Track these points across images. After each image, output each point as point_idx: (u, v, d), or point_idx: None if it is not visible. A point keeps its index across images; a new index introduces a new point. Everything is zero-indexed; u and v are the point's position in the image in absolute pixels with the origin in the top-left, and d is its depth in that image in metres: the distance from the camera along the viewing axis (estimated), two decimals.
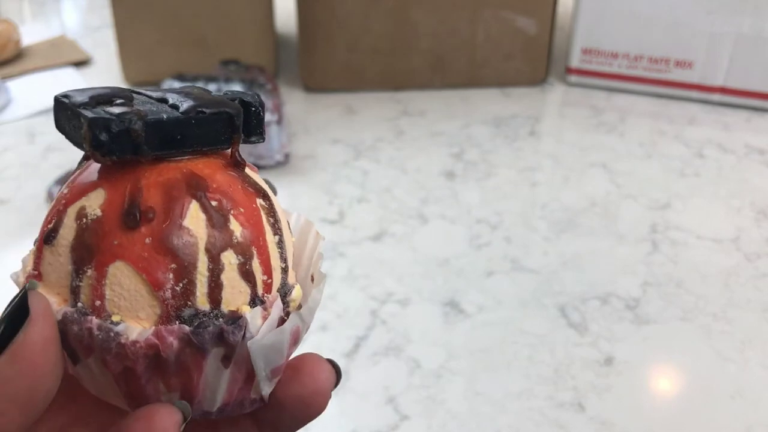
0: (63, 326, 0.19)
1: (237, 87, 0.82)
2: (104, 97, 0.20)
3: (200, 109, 0.20)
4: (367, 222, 0.73)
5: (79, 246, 0.19)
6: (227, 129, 0.21)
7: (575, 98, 0.99)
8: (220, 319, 0.19)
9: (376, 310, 0.62)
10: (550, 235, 0.71)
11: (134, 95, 0.21)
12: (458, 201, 0.77)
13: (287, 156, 0.82)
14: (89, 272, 0.19)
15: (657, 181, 0.80)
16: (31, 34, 1.16)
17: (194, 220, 0.19)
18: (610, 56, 0.98)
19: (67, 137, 0.20)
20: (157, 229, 0.19)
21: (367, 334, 0.59)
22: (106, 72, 1.06)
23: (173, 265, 0.19)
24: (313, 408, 0.22)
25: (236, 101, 0.22)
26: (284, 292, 0.21)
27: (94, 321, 0.19)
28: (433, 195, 0.78)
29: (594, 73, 1.00)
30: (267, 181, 0.23)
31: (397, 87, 1.01)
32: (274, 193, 0.22)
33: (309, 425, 0.54)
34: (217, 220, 0.20)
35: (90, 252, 0.19)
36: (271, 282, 0.21)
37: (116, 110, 0.19)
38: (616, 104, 0.97)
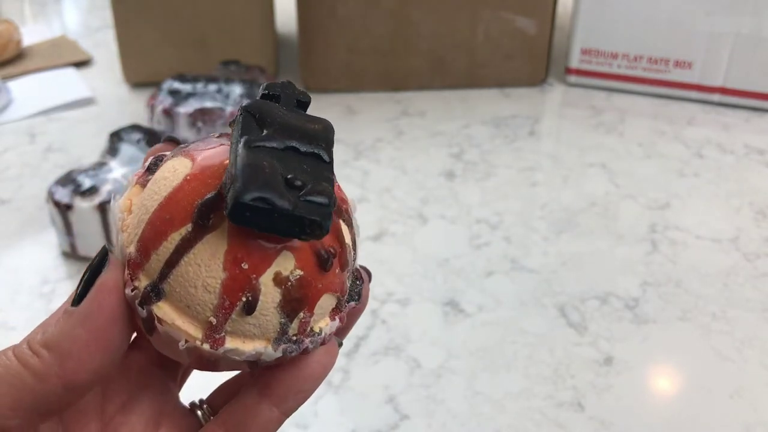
0: (281, 359, 0.24)
1: (237, 87, 0.82)
2: (281, 184, 0.22)
3: (327, 143, 0.24)
4: (367, 222, 0.73)
5: (289, 302, 0.23)
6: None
7: (575, 98, 0.99)
8: (358, 282, 0.26)
9: (376, 309, 0.62)
10: (550, 235, 0.71)
11: (271, 159, 0.22)
12: (458, 201, 0.77)
13: None
14: (301, 315, 0.24)
15: (656, 181, 0.80)
16: (31, 35, 1.16)
17: (346, 235, 0.25)
18: (609, 56, 0.98)
19: (271, 232, 0.22)
20: (339, 260, 0.24)
21: (367, 334, 0.59)
22: (106, 72, 1.06)
23: (348, 275, 0.25)
24: (309, 381, 0.25)
25: (295, 103, 0.25)
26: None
27: (307, 341, 0.24)
28: (433, 195, 0.78)
29: (593, 73, 1.00)
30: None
31: (397, 87, 1.01)
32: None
33: (309, 424, 0.55)
34: (348, 222, 0.25)
35: (302, 302, 0.23)
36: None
37: (314, 200, 0.22)
38: (615, 104, 0.97)
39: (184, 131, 0.80)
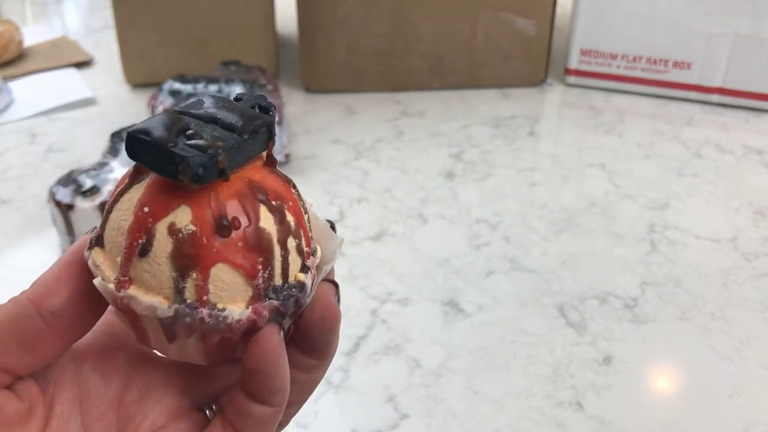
0: (173, 319, 0.24)
1: (237, 88, 0.83)
2: (175, 129, 0.24)
3: (253, 129, 0.25)
4: (367, 222, 0.74)
5: (180, 256, 0.23)
6: (267, 137, 0.26)
7: (574, 99, 1.00)
8: (293, 289, 0.25)
9: (377, 309, 0.62)
10: (549, 235, 0.72)
11: (190, 119, 0.25)
12: (458, 201, 0.77)
13: (288, 156, 0.82)
14: (194, 275, 0.24)
15: (655, 181, 0.80)
16: (32, 35, 1.16)
17: (266, 220, 0.25)
18: (608, 57, 0.98)
19: (152, 168, 0.24)
20: (244, 234, 0.24)
21: (368, 334, 0.60)
22: (107, 73, 1.07)
23: (260, 259, 0.24)
24: (328, 321, 0.26)
25: (255, 107, 0.26)
26: (313, 252, 0.27)
27: (204, 312, 0.24)
28: (433, 195, 0.78)
29: (593, 73, 1.00)
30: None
31: (396, 88, 1.01)
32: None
33: (309, 423, 0.55)
34: (279, 216, 0.25)
35: (193, 260, 0.24)
36: (309, 250, 0.27)
37: (198, 143, 0.23)
38: (614, 105, 0.97)
39: None
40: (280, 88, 0.93)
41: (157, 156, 0.23)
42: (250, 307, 0.24)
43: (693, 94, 0.97)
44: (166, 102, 0.82)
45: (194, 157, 0.23)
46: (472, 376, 0.56)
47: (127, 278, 0.24)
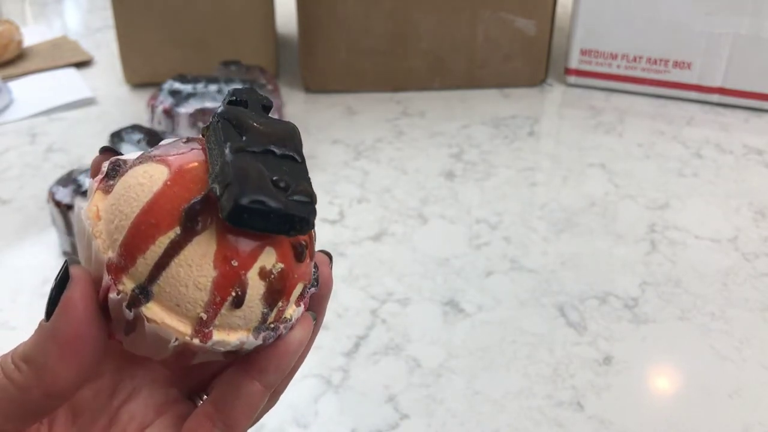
0: (260, 347, 0.25)
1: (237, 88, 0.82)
2: (269, 184, 0.24)
3: (302, 155, 0.26)
4: (367, 222, 0.74)
5: (271, 293, 0.25)
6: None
7: (574, 99, 1.00)
8: (315, 284, 0.28)
9: (376, 309, 0.62)
10: (549, 234, 0.72)
11: (256, 161, 0.24)
12: (458, 201, 0.77)
13: None
14: (280, 304, 0.25)
15: (655, 181, 0.80)
16: (32, 35, 1.16)
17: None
18: (609, 57, 0.98)
19: (266, 231, 0.24)
20: (310, 250, 0.26)
21: (367, 334, 0.60)
22: (107, 73, 1.06)
23: (312, 263, 0.27)
24: (289, 355, 0.26)
25: (259, 105, 0.26)
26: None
27: (281, 327, 0.26)
28: (433, 195, 0.78)
29: (593, 73, 1.00)
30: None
31: (396, 88, 1.01)
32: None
33: (309, 423, 0.55)
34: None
35: (281, 293, 0.25)
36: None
37: (301, 199, 0.24)
38: (614, 105, 0.97)
39: (184, 131, 0.80)
40: (280, 88, 0.93)
41: (274, 219, 0.23)
42: (301, 303, 0.27)
43: (693, 94, 0.96)
44: (165, 102, 0.82)
45: (311, 217, 0.24)
46: (472, 376, 0.56)
47: (210, 329, 0.24)
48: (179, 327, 0.24)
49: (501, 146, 0.88)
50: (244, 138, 0.24)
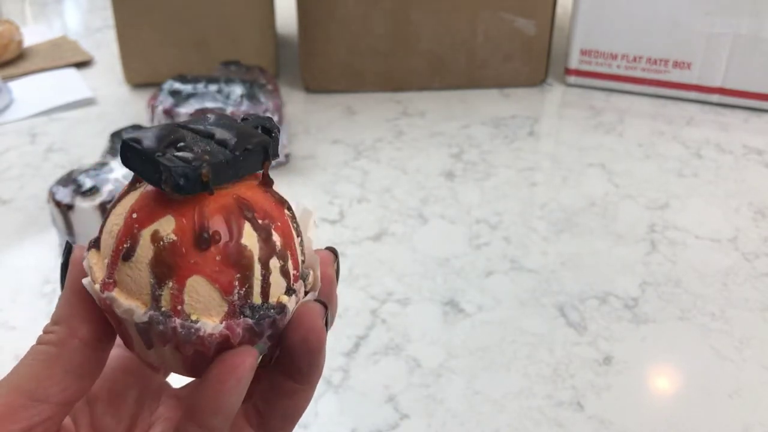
0: (148, 324, 0.24)
1: (238, 88, 0.83)
2: (167, 140, 0.24)
3: (246, 147, 0.25)
4: (367, 222, 0.74)
5: (158, 264, 0.24)
6: (263, 157, 0.26)
7: (574, 99, 1.00)
8: (271, 310, 0.25)
9: (376, 309, 0.62)
10: (549, 234, 0.72)
11: (186, 132, 0.25)
12: (458, 201, 0.77)
13: (288, 156, 0.82)
14: (170, 284, 0.24)
15: (655, 181, 0.80)
16: (32, 35, 1.16)
17: (249, 238, 0.25)
18: (608, 57, 0.98)
19: (141, 175, 0.25)
20: (223, 249, 0.24)
21: (367, 334, 0.60)
22: (107, 73, 1.07)
23: (238, 275, 0.24)
24: (312, 343, 0.26)
25: (259, 128, 0.26)
26: (303, 276, 0.27)
27: (177, 321, 0.24)
28: (433, 195, 0.78)
29: (593, 73, 1.00)
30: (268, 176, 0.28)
31: (396, 88, 1.01)
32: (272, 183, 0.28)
33: (309, 423, 0.55)
34: (264, 235, 0.25)
35: (170, 269, 0.24)
36: (297, 273, 0.27)
37: (185, 155, 0.24)
38: (614, 105, 0.97)
39: None
40: (280, 88, 0.93)
41: (145, 164, 0.24)
42: (224, 322, 0.25)
43: (693, 94, 0.97)
44: (166, 102, 0.82)
45: (177, 168, 0.23)
46: (472, 376, 0.56)
47: (111, 281, 0.25)
48: (97, 273, 0.25)
49: (501, 146, 0.88)
50: (202, 123, 0.26)
